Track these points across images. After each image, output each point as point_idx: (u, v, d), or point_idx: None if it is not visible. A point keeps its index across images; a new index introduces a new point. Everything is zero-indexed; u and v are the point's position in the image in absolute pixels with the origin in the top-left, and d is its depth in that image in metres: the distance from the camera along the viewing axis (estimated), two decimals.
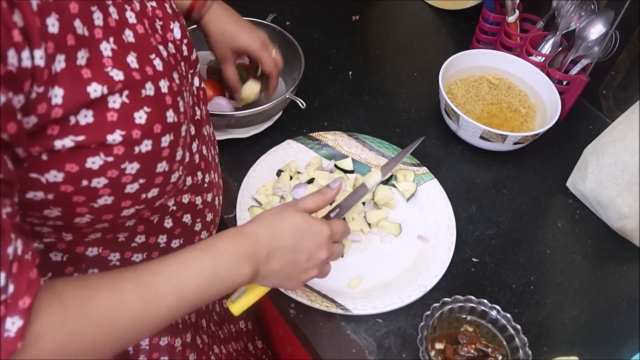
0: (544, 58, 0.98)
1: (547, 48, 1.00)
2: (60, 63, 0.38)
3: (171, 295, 0.47)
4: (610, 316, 0.76)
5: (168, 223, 0.57)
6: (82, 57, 0.40)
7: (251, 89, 0.88)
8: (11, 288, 0.36)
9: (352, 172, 0.88)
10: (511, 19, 1.01)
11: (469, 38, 1.11)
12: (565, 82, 0.96)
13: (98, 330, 0.43)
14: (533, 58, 0.99)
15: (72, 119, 0.40)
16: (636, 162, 0.77)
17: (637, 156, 0.77)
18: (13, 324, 0.37)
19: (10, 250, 0.37)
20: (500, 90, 0.99)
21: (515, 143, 0.89)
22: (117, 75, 0.43)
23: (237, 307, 0.62)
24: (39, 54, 0.36)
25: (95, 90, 0.41)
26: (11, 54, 0.34)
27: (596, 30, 0.92)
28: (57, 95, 0.38)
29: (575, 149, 0.89)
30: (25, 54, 0.35)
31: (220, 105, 0.88)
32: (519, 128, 0.94)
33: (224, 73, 0.86)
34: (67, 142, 0.40)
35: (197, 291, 0.49)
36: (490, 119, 0.95)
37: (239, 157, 0.88)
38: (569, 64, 0.97)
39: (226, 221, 0.80)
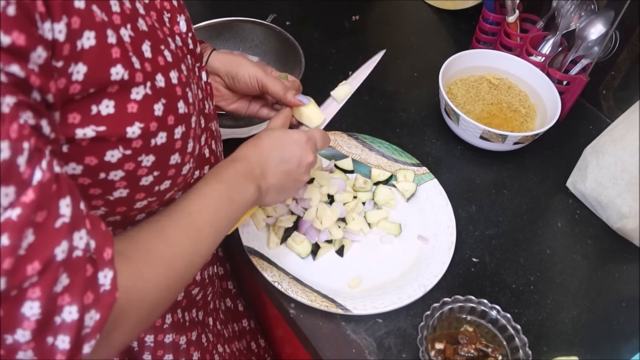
0: (544, 58, 0.98)
1: (547, 48, 1.00)
2: (89, 40, 0.38)
3: (208, 227, 0.52)
4: (610, 316, 0.76)
5: None
6: (111, 35, 0.40)
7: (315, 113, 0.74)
8: (93, 243, 0.37)
9: (352, 172, 0.88)
10: (511, 19, 1.01)
11: (469, 38, 1.11)
12: (565, 82, 0.96)
13: (166, 272, 0.46)
14: (533, 58, 0.99)
15: (94, 109, 0.40)
16: (636, 162, 0.77)
17: (637, 156, 0.77)
18: (105, 277, 0.38)
19: (82, 206, 0.37)
20: (500, 90, 0.99)
21: (515, 143, 0.89)
22: (136, 63, 0.43)
23: None
24: (58, 27, 0.35)
25: (117, 72, 0.40)
26: (37, 19, 0.33)
27: (596, 30, 0.93)
28: (80, 72, 0.38)
29: (575, 149, 0.89)
30: (47, 25, 0.34)
31: None
32: (519, 128, 0.94)
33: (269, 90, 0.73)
34: (89, 131, 0.40)
35: (225, 218, 0.55)
36: (490, 119, 0.95)
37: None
38: (569, 64, 0.97)
39: None
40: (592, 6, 0.95)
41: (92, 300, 0.36)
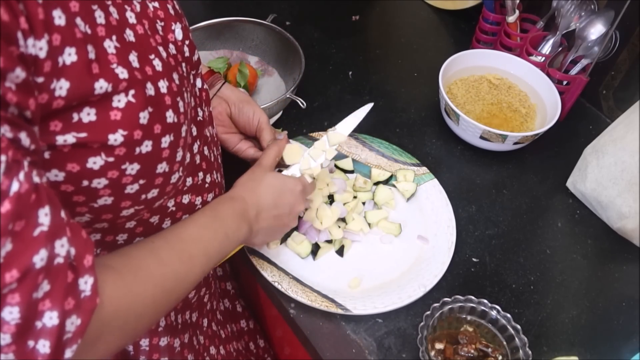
0: (544, 58, 0.98)
1: (547, 48, 1.00)
2: (70, 56, 0.38)
3: (201, 256, 0.54)
4: (610, 316, 0.76)
5: (167, 224, 0.58)
6: (91, 51, 0.40)
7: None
8: (73, 251, 0.38)
9: (352, 172, 0.88)
10: (511, 19, 1.01)
11: (469, 38, 1.11)
12: (565, 82, 0.96)
13: (155, 289, 0.47)
14: (533, 58, 0.99)
15: (75, 116, 0.40)
16: (636, 162, 0.77)
17: (637, 156, 0.77)
18: (86, 283, 0.39)
19: (62, 214, 0.38)
20: (500, 90, 0.99)
21: (515, 143, 0.89)
22: (122, 73, 0.43)
23: None
24: (39, 44, 0.36)
25: (101, 87, 0.41)
26: (20, 37, 0.34)
27: (596, 30, 0.93)
28: (62, 87, 0.38)
29: (575, 149, 0.89)
30: (30, 41, 0.35)
31: None
32: (519, 128, 0.94)
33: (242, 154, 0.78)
34: (69, 138, 0.40)
35: (216, 250, 0.57)
36: (490, 119, 0.95)
37: (239, 157, 0.88)
38: (569, 64, 0.97)
39: None
40: (592, 6, 0.95)
41: (73, 306, 0.37)
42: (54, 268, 0.36)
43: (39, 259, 0.34)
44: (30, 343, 0.35)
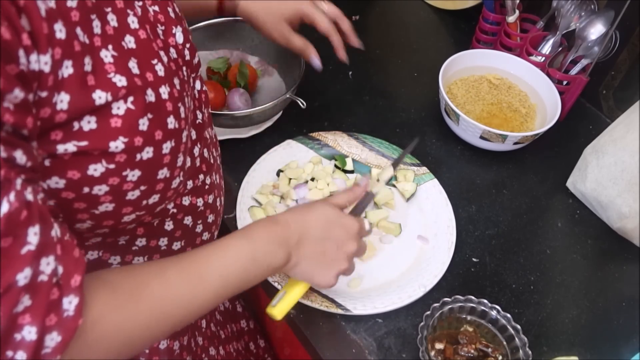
0: (544, 58, 0.98)
1: (547, 48, 1.00)
2: (67, 69, 0.38)
3: (214, 279, 0.50)
4: (610, 316, 0.76)
5: (169, 225, 0.58)
6: (87, 63, 0.40)
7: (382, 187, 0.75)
8: (60, 269, 0.38)
9: (352, 172, 0.88)
10: (511, 19, 1.01)
11: (469, 38, 1.11)
12: (565, 82, 0.96)
13: (151, 312, 0.45)
14: (533, 58, 0.99)
15: (76, 125, 0.40)
16: (636, 162, 0.77)
17: (637, 156, 0.77)
18: (70, 303, 0.38)
19: (53, 233, 0.38)
20: (500, 90, 0.99)
21: (515, 143, 0.89)
22: (120, 81, 0.43)
23: (278, 310, 0.63)
24: (44, 59, 0.36)
25: (100, 97, 0.41)
26: (21, 54, 0.34)
27: (596, 30, 0.93)
28: (63, 100, 0.38)
29: (575, 149, 0.89)
30: (34, 57, 0.35)
31: (234, 102, 0.89)
32: (519, 128, 0.94)
33: (292, 46, 0.80)
34: (70, 146, 0.40)
35: (237, 275, 0.52)
36: (490, 119, 0.95)
37: (239, 157, 0.88)
38: (569, 64, 0.97)
39: (226, 221, 0.80)
40: (592, 6, 0.95)
41: (55, 323, 0.37)
42: (37, 285, 0.36)
43: (23, 277, 0.35)
44: (9, 353, 0.36)
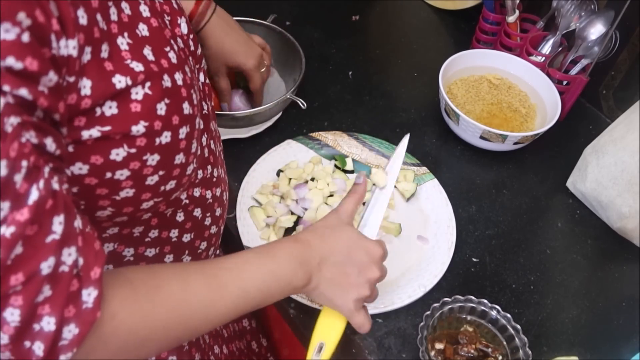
0: (544, 58, 0.98)
1: (547, 48, 1.00)
2: (87, 55, 0.39)
3: (234, 288, 0.50)
4: (610, 316, 0.76)
5: (180, 217, 0.58)
6: (105, 50, 0.41)
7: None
8: (81, 261, 0.38)
9: (352, 172, 0.88)
10: (511, 19, 1.01)
11: (469, 38, 1.11)
12: (565, 82, 0.96)
13: (168, 314, 0.45)
14: (533, 58, 0.99)
15: (98, 110, 0.41)
16: (636, 162, 0.77)
17: (637, 156, 0.77)
18: (89, 295, 0.38)
19: (76, 224, 0.38)
20: (500, 90, 0.99)
21: (515, 143, 0.89)
22: (137, 66, 0.43)
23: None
24: (72, 44, 0.36)
25: (119, 81, 0.42)
26: (53, 39, 0.34)
27: (596, 30, 0.93)
28: (86, 86, 0.39)
29: (575, 149, 0.89)
30: (63, 42, 0.35)
31: (234, 102, 0.89)
32: (519, 128, 0.94)
33: (217, 85, 0.86)
34: (94, 132, 0.41)
35: (257, 288, 0.52)
36: (490, 119, 0.95)
37: (239, 157, 0.88)
38: (569, 64, 0.97)
39: (226, 221, 0.80)
40: (592, 6, 0.95)
41: (73, 315, 0.37)
42: (58, 275, 0.36)
43: (47, 266, 0.35)
44: (27, 343, 0.35)
